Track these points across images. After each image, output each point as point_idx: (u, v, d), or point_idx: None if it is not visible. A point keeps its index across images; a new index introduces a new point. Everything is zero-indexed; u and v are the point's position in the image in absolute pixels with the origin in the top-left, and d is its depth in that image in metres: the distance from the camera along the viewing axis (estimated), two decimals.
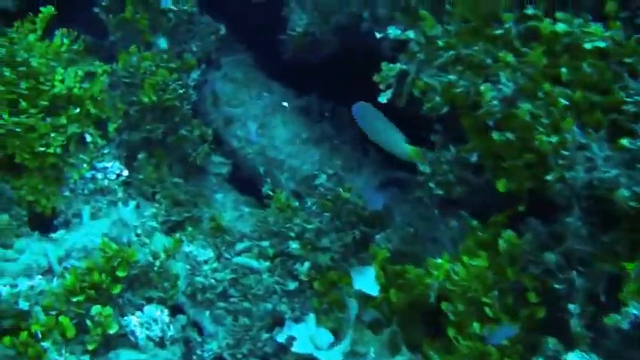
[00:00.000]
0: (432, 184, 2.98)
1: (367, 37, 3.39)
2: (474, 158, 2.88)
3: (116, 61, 3.94)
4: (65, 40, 3.68)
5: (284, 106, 4.01)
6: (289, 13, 3.61)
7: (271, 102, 4.09)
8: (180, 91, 3.74)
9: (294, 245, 3.42)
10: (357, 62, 3.67)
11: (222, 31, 4.11)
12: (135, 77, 3.74)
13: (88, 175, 3.71)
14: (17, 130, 3.40)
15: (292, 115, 4.04)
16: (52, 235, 3.42)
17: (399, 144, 2.95)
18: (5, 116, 3.40)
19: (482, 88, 2.64)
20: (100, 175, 3.73)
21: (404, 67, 3.04)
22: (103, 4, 3.94)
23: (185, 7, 3.89)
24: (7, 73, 3.45)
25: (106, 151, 3.78)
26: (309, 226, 3.40)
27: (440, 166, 2.96)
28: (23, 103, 3.45)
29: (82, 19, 4.23)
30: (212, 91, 4.12)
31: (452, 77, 2.75)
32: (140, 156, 3.81)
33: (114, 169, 3.76)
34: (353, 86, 3.69)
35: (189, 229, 3.69)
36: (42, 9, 3.68)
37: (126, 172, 3.78)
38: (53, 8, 3.68)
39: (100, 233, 3.40)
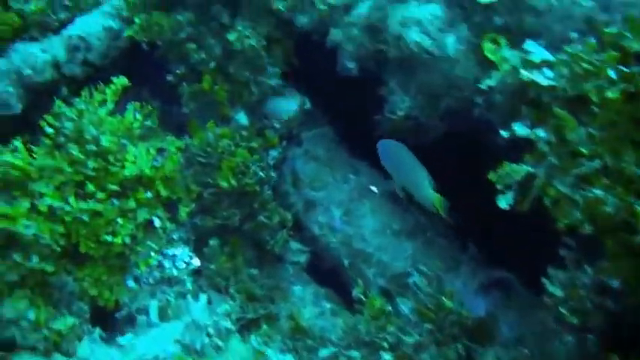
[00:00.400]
0: (564, 310, 2.65)
1: (479, 123, 3.12)
2: (615, 283, 2.56)
3: (189, 135, 3.72)
4: (138, 116, 3.46)
5: (372, 191, 3.72)
6: (388, 94, 3.34)
7: (358, 185, 3.81)
8: (262, 175, 3.49)
9: (387, 357, 3.12)
10: (463, 149, 3.41)
11: (307, 105, 3.85)
12: (211, 157, 3.51)
13: (155, 261, 3.45)
14: (83, 217, 3.15)
15: (381, 202, 3.75)
16: (119, 339, 3.17)
17: (424, 188, 2.89)
18: (71, 200, 3.17)
19: (639, 209, 2.32)
20: (167, 263, 3.50)
21: (530, 169, 2.73)
22: (177, 72, 3.72)
23: (270, 82, 3.64)
24: (75, 152, 3.24)
25: (175, 237, 3.53)
26: (407, 339, 3.10)
27: (574, 290, 2.64)
28: (90, 186, 3.24)
29: (149, 83, 4.06)
30: (292, 170, 3.87)
31: (598, 192, 2.43)
32: (212, 242, 3.56)
33: (183, 256, 3.53)
34: (455, 174, 3.44)
35: (265, 327, 3.42)
36: (114, 80, 3.47)
37: (197, 262, 3.52)
38: (126, 79, 3.45)
39: (172, 339, 3.14)
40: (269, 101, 3.77)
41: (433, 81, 3.21)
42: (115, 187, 3.25)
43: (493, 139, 3.09)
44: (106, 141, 3.27)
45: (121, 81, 3.46)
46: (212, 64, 3.61)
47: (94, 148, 3.27)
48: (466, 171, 3.45)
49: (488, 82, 2.87)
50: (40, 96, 3.72)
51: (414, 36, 3.16)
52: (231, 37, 3.50)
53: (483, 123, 3.14)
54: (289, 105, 3.80)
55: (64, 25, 3.88)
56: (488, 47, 2.94)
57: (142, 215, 3.34)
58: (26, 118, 3.69)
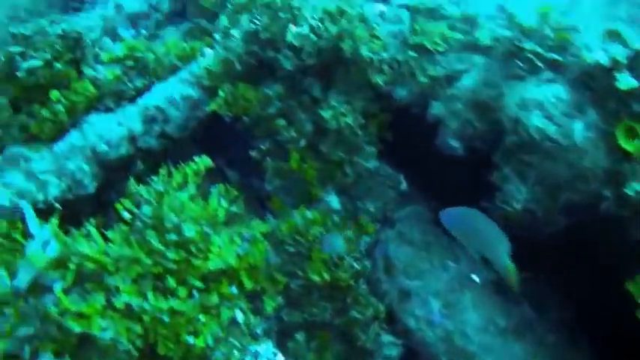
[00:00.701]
0: None
1: (606, 219, 2.79)
2: None
3: (272, 213, 3.43)
4: (223, 203, 3.17)
5: (474, 280, 3.38)
6: (501, 181, 3.03)
7: (457, 274, 3.47)
8: (357, 267, 3.18)
9: None
10: (584, 244, 3.07)
11: (403, 185, 3.53)
12: (301, 245, 3.21)
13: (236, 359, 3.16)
14: (163, 317, 2.87)
15: (484, 293, 3.41)
16: None
17: (500, 255, 2.64)
18: (150, 297, 2.90)
19: None
20: None
21: None
22: (262, 147, 3.43)
23: (367, 164, 3.33)
24: (154, 243, 2.97)
25: (258, 331, 3.23)
26: None
27: None
28: (171, 281, 2.96)
29: (227, 153, 3.81)
30: (384, 254, 3.54)
31: None
32: (299, 337, 3.26)
33: (267, 353, 3.22)
34: (572, 270, 3.11)
35: None
36: (196, 160, 3.19)
37: (281, 359, 3.21)
38: (209, 160, 3.19)
39: None
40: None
41: (556, 171, 2.90)
42: (197, 283, 2.96)
43: (623, 239, 2.77)
44: (188, 231, 3.00)
45: (204, 161, 3.21)
46: (302, 142, 3.31)
47: (174, 237, 3.00)
48: (585, 268, 3.13)
49: (636, 187, 2.52)
50: (114, 172, 3.47)
51: (535, 121, 2.85)
52: (326, 114, 3.22)
53: (612, 219, 2.81)
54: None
55: (140, 93, 3.65)
56: (628, 143, 2.60)
57: (226, 313, 3.05)
58: (99, 197, 3.46)
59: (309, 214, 3.30)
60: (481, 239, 2.76)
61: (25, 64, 3.68)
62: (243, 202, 3.56)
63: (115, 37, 4.30)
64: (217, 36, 3.60)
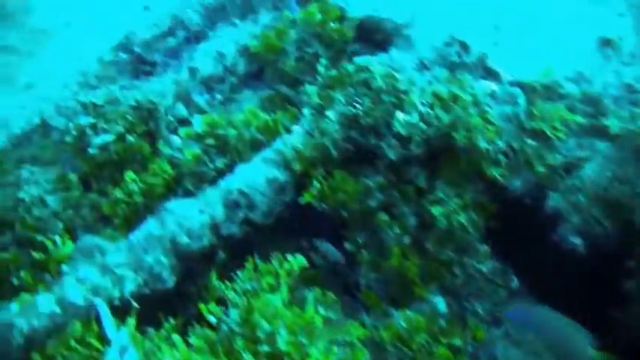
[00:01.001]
0: None
1: None
2: None
3: (363, 304, 3.18)
4: (321, 310, 2.86)
5: None
6: (637, 291, 2.66)
7: None
8: None
9: None
10: None
11: (515, 283, 3.19)
12: (404, 354, 2.88)
13: None
14: None
15: None
16: None
17: (581, 348, 2.54)
18: None
19: None
20: None
21: None
22: (359, 240, 3.12)
23: (481, 267, 3.01)
24: (245, 354, 2.67)
25: None
26: None
27: None
28: None
29: (310, 234, 3.52)
30: (491, 356, 3.20)
31: None
32: None
33: None
34: None
35: None
36: (290, 259, 2.90)
37: None
38: (303, 259, 2.90)
39: None
40: None
41: None
42: None
43: None
44: (282, 343, 2.70)
45: (298, 262, 2.93)
46: (406, 239, 2.99)
47: (267, 348, 2.70)
48: None
49: None
50: (194, 262, 3.20)
51: None
52: (436, 211, 2.91)
53: None
54: None
55: (221, 173, 3.37)
56: None
57: None
58: (178, 289, 3.18)
59: (412, 316, 2.97)
60: (561, 335, 2.69)
61: (97, 140, 3.44)
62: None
63: (188, 102, 4.04)
64: (306, 112, 3.30)
